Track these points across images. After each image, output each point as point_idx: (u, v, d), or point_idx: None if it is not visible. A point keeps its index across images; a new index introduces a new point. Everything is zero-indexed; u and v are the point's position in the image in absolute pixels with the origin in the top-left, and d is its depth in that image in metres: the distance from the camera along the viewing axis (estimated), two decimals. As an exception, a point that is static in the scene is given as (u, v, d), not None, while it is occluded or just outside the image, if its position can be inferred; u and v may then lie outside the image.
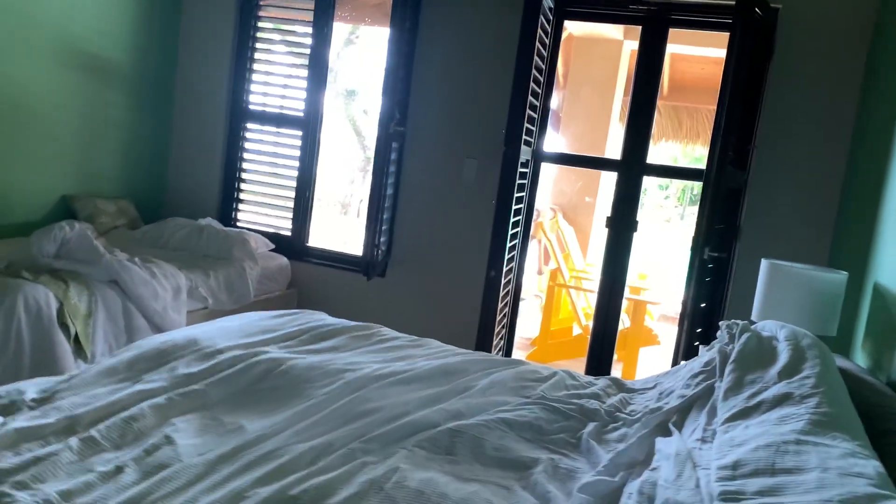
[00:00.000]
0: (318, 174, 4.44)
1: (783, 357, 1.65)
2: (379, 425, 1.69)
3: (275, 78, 4.48)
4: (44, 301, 2.73)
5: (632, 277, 5.03)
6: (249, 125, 4.49)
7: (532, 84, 3.56)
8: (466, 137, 3.98)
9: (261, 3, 4.38)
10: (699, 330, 3.41)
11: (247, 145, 4.51)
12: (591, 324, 5.14)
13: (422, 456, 1.59)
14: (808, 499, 0.97)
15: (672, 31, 3.85)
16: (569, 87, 6.70)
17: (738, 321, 1.96)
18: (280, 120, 4.42)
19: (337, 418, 1.71)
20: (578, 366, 4.96)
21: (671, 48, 5.57)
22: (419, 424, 1.71)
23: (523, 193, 3.89)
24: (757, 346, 1.78)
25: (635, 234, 3.94)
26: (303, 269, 4.34)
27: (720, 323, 2.05)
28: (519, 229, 3.91)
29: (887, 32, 3.05)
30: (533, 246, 5.81)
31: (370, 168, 14.06)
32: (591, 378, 2.30)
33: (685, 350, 3.37)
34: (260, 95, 4.47)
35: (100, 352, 2.94)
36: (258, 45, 4.44)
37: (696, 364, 2.00)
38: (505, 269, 3.70)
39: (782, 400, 1.41)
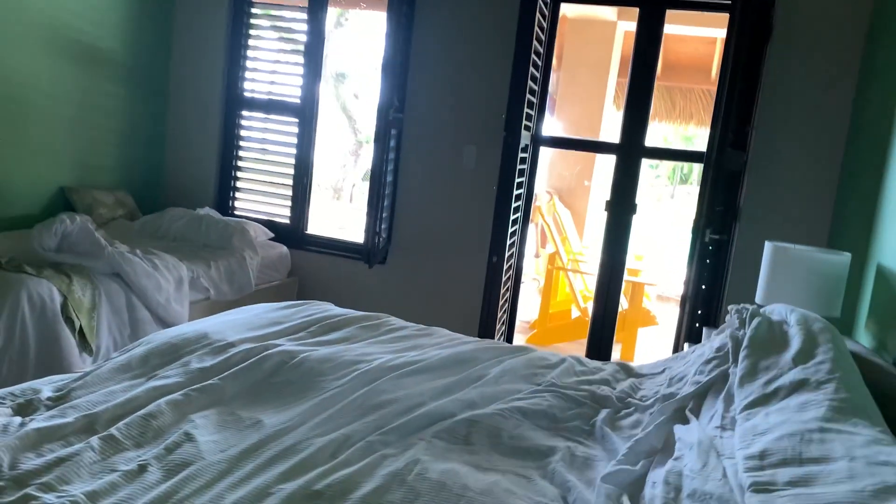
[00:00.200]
0: (315, 161, 4.43)
1: (796, 342, 1.67)
2: (395, 417, 1.70)
3: (270, 65, 4.44)
4: (47, 295, 2.72)
5: (628, 259, 5.06)
6: (245, 113, 4.46)
7: (531, 69, 3.55)
8: (465, 123, 3.97)
9: (255, -11, 4.35)
10: (700, 312, 3.43)
11: (243, 133, 4.49)
12: (589, 306, 5.16)
13: (440, 447, 1.60)
14: (840, 489, 0.98)
15: (667, 12, 3.84)
16: (563, 69, 6.67)
17: (748, 305, 1.97)
18: (276, 107, 4.40)
19: (353, 411, 1.71)
20: (578, 348, 4.99)
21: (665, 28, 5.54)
22: (435, 415, 1.72)
23: (523, 178, 3.88)
24: (768, 331, 1.79)
25: (634, 217, 3.95)
26: (302, 258, 4.33)
27: (729, 307, 2.06)
28: (519, 214, 3.91)
29: (886, 11, 3.05)
30: (530, 230, 5.82)
31: (362, 152, 13.95)
32: (599, 364, 2.31)
33: (687, 332, 3.39)
34: (255, 83, 4.44)
35: (104, 345, 2.94)
36: (252, 32, 4.40)
37: (706, 349, 2.01)
38: (506, 255, 3.71)
39: (799, 386, 1.43)
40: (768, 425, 1.28)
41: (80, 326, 2.81)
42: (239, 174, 4.51)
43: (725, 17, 3.61)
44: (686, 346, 2.96)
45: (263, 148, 4.48)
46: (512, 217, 3.68)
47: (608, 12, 6.21)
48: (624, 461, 1.43)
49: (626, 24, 6.44)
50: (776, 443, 1.19)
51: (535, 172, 4.12)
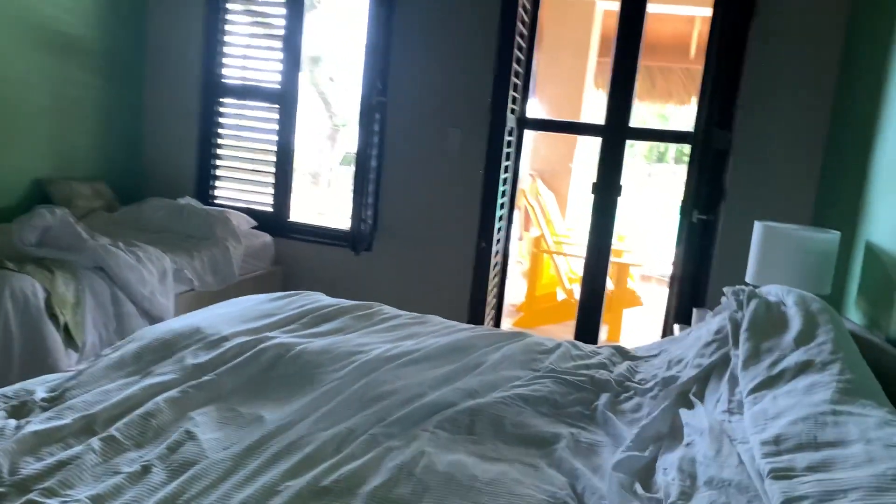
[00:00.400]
0: (298, 148, 4.37)
1: (796, 323, 1.67)
2: (397, 408, 1.68)
3: (248, 51, 4.37)
4: (31, 292, 2.66)
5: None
6: (224, 100, 4.38)
7: (515, 51, 3.52)
8: (449, 106, 3.92)
9: (231, -28, 4.26)
10: (688, 293, 3.45)
11: (222, 120, 4.41)
12: (574, 288, 5.18)
13: (444, 437, 1.59)
14: (861, 474, 0.99)
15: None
16: (543, 49, 6.63)
17: (744, 287, 1.97)
18: (255, 93, 4.32)
19: (354, 403, 1.69)
20: (566, 330, 5.01)
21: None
22: (437, 405, 1.71)
23: (509, 162, 3.86)
24: (766, 313, 1.79)
25: (619, 199, 3.95)
26: (286, 246, 4.28)
27: (724, 289, 2.07)
28: (506, 199, 3.90)
29: (870, -10, 3.06)
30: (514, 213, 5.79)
31: (339, 136, 13.82)
32: (594, 347, 2.31)
33: (676, 313, 3.41)
34: (233, 69, 4.36)
35: (90, 341, 2.88)
36: (229, 18, 4.31)
37: (703, 332, 2.01)
38: (494, 240, 3.70)
39: (804, 368, 1.43)
40: (779, 409, 1.28)
41: (65, 322, 2.75)
42: (219, 162, 4.44)
43: (708, -5, 3.60)
44: (676, 327, 2.97)
45: (241, 135, 4.41)
46: (499, 201, 3.67)
47: (587, -8, 6.19)
48: (632, 447, 1.43)
49: (605, 4, 6.42)
50: (790, 427, 1.19)
51: (521, 155, 4.10)
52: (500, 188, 3.64)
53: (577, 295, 5.12)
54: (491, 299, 3.89)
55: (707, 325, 2.06)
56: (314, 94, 12.29)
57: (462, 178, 3.92)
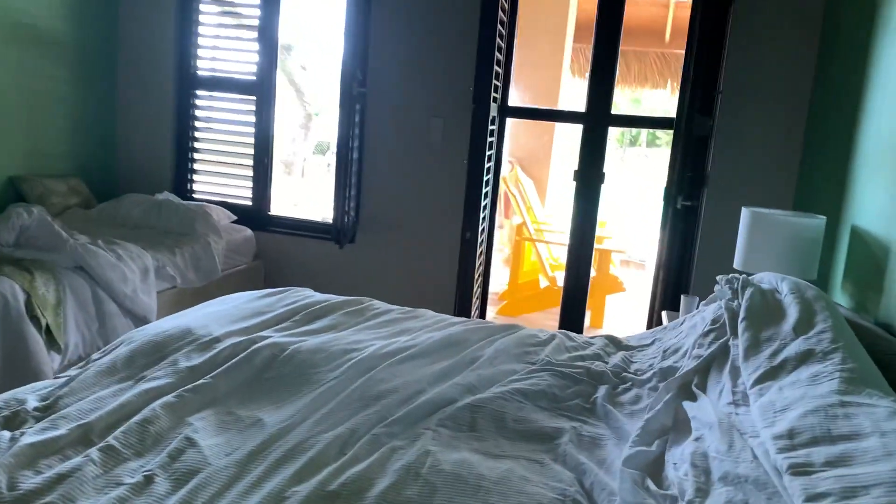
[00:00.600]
0: (275, 140, 4.31)
1: (793, 311, 1.68)
2: (397, 406, 1.67)
3: (223, 42, 4.29)
4: (10, 294, 2.60)
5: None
6: (200, 92, 4.30)
7: (497, 39, 3.50)
8: (430, 96, 3.89)
9: (203, -38, 4.17)
10: (673, 280, 3.46)
11: (198, 113, 4.33)
12: (557, 275, 5.19)
13: (447, 435, 1.57)
14: (882, 469, 0.99)
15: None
16: (519, 35, 6.60)
17: (738, 275, 1.98)
18: (232, 85, 4.25)
19: (353, 403, 1.68)
20: (550, 317, 5.02)
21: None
22: (437, 402, 1.70)
23: (492, 151, 3.85)
24: (762, 301, 1.80)
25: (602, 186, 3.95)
26: (267, 239, 4.23)
27: (718, 277, 2.08)
28: (489, 188, 3.88)
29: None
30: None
31: (312, 125, 13.70)
32: (587, 338, 2.31)
33: (662, 300, 3.43)
34: (208, 60, 4.28)
35: (73, 342, 2.83)
36: (202, 8, 4.23)
37: (697, 320, 2.02)
38: (479, 229, 3.68)
39: (805, 357, 1.44)
40: (786, 401, 1.29)
41: (47, 324, 2.69)
42: (196, 156, 4.37)
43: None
44: (664, 314, 2.98)
45: (218, 128, 4.34)
46: (483, 191, 3.65)
47: (562, -23, 6.16)
48: (639, 441, 1.42)
49: (580, -11, 6.41)
50: (801, 420, 1.19)
51: (503, 144, 4.08)
52: (485, 178, 3.63)
53: (559, 282, 5.13)
54: (476, 289, 3.88)
55: (700, 313, 2.07)
56: (286, 82, 12.15)
57: (445, 168, 3.90)
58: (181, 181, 4.36)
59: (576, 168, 3.92)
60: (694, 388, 1.63)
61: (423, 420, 1.63)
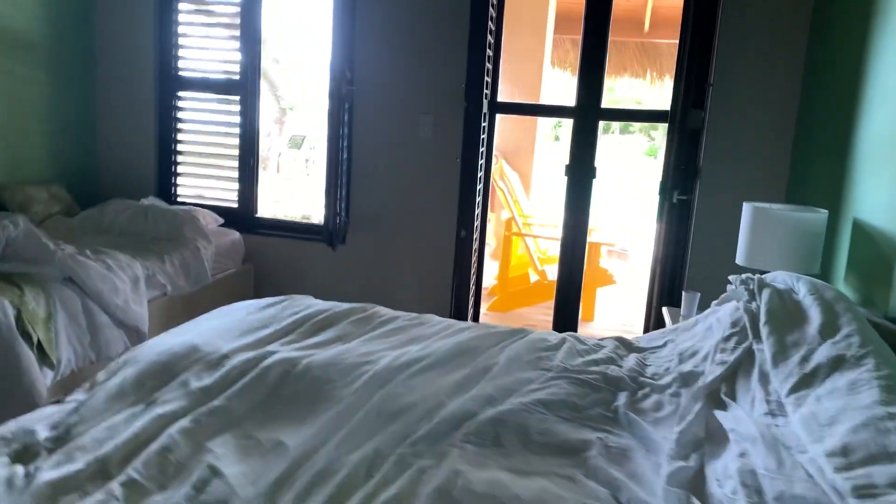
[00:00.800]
0: (261, 139, 4.24)
1: (815, 314, 1.67)
2: (419, 422, 1.63)
3: (205, 41, 4.19)
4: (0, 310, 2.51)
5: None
6: (181, 93, 4.20)
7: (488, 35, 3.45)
8: (419, 92, 3.83)
9: (182, -41, 4.06)
10: (670, 275, 3.46)
11: (180, 115, 4.24)
12: (546, 269, 5.17)
13: (473, 452, 1.54)
14: (951, 490, 0.98)
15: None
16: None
17: (752, 275, 1.97)
18: (214, 85, 4.16)
19: (374, 420, 1.64)
20: (540, 311, 5.01)
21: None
22: (458, 416, 1.66)
23: (483, 148, 3.80)
24: (781, 303, 1.79)
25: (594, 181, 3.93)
26: (255, 242, 4.15)
27: (730, 277, 2.06)
28: (481, 185, 3.84)
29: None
30: (480, 195, 5.72)
31: (286, 119, 13.53)
32: (597, 340, 2.29)
33: (660, 295, 3.42)
34: (190, 61, 4.18)
35: (65, 357, 2.74)
36: (182, 7, 4.12)
37: (712, 321, 2.00)
38: (474, 227, 3.65)
39: (837, 363, 1.43)
40: (829, 413, 1.27)
41: (38, 340, 2.61)
42: (179, 158, 4.27)
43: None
44: (665, 310, 2.97)
45: (202, 129, 4.25)
46: (478, 188, 3.62)
47: (542, -32, 6.12)
48: (675, 455, 1.40)
49: (560, -20, 6.37)
50: (853, 436, 1.18)
51: (493, 140, 4.04)
52: (478, 175, 3.59)
53: (550, 276, 5.12)
54: (470, 286, 3.84)
55: (714, 314, 2.05)
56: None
57: (435, 165, 3.85)
58: (165, 184, 4.27)
59: (567, 163, 3.90)
60: (723, 397, 1.61)
61: (447, 436, 1.59)
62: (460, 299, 3.72)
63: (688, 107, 3.31)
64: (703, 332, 2.00)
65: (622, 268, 6.86)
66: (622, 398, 1.81)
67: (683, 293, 2.93)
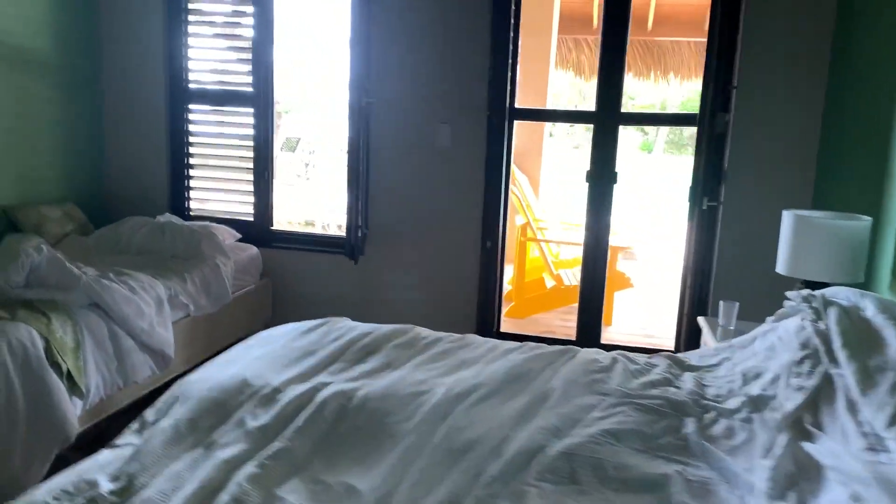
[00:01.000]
0: (275, 151, 4.17)
1: (891, 335, 1.62)
2: (488, 459, 1.57)
3: (216, 52, 4.11)
4: (28, 341, 2.43)
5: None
6: (192, 106, 4.12)
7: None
8: (436, 102, 3.77)
9: (191, -31, 3.98)
10: (702, 284, 3.41)
11: (192, 128, 4.16)
12: (562, 273, 5.13)
13: (551, 491, 1.49)
14: None
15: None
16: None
17: (813, 292, 1.92)
18: (227, 97, 4.08)
19: (442, 459, 1.58)
20: (558, 316, 4.96)
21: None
22: (528, 452, 1.60)
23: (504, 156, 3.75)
24: (851, 323, 1.74)
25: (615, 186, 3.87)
26: (272, 256, 4.08)
27: (787, 293, 2.01)
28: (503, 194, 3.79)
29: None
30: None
31: (281, 122, 13.51)
32: (647, 359, 2.24)
33: (691, 304, 3.37)
34: (201, 73, 4.10)
35: (94, 384, 2.67)
36: (191, 18, 4.04)
37: (774, 340, 1.95)
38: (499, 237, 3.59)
39: (931, 393, 1.38)
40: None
41: (68, 369, 2.54)
42: (192, 172, 4.20)
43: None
44: (702, 321, 2.92)
45: (215, 142, 4.18)
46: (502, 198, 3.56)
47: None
48: (773, 494, 1.35)
49: (564, -20, 6.31)
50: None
51: (512, 146, 3.97)
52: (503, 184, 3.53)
53: (566, 280, 5.07)
54: (496, 298, 3.79)
55: (773, 331, 2.00)
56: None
57: (454, 175, 3.79)
58: (178, 200, 4.19)
59: (588, 169, 3.85)
60: (809, 427, 1.56)
61: (520, 474, 1.53)
62: (486, 310, 3.66)
63: (716, 110, 3.26)
64: (765, 351, 1.95)
65: (632, 269, 6.82)
66: (690, 425, 1.76)
67: (721, 303, 2.89)
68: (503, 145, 3.45)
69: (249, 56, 3.98)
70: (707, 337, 2.76)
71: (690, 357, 2.26)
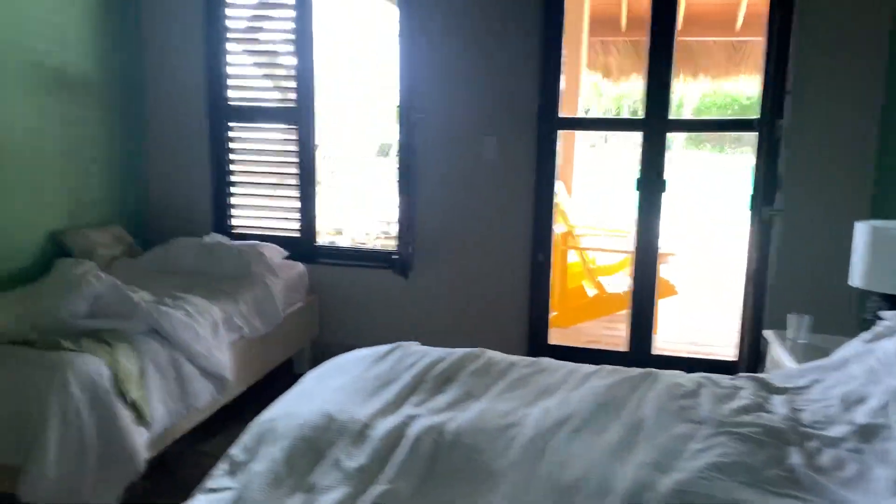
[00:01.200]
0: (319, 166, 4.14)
1: None
2: (598, 498, 1.53)
3: (257, 69, 4.09)
4: (96, 373, 2.41)
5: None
6: (233, 123, 4.10)
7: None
8: (481, 114, 3.73)
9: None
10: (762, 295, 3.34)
11: (233, 145, 4.13)
12: (603, 281, 5.07)
13: (669, 533, 1.44)
14: None
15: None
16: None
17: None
18: (269, 114, 4.06)
19: (549, 499, 1.53)
20: (602, 326, 4.90)
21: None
22: (637, 490, 1.55)
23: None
24: (961, 347, 1.68)
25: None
26: (317, 272, 4.05)
27: (882, 313, 1.95)
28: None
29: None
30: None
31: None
32: (731, 381, 2.18)
33: (752, 315, 3.30)
34: (242, 90, 4.08)
35: (158, 414, 2.64)
36: (230, 36, 4.02)
37: (873, 363, 1.89)
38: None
39: None
40: None
41: (133, 399, 2.51)
42: (234, 190, 4.17)
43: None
44: (771, 335, 2.85)
45: (257, 160, 4.16)
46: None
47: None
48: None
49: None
50: None
51: (556, 157, 3.91)
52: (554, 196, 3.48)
53: (608, 288, 5.01)
54: (548, 311, 3.74)
55: (872, 353, 1.94)
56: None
57: (501, 187, 3.75)
58: (221, 218, 4.17)
59: (637, 177, 3.79)
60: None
61: (635, 513, 1.49)
62: (538, 325, 3.61)
63: (775, 117, 3.19)
64: (864, 374, 1.89)
65: (668, 273, 6.74)
66: (794, 455, 1.70)
67: (789, 316, 2.82)
68: (553, 156, 3.40)
69: (293, 72, 3.95)
70: (778, 352, 2.70)
71: (774, 378, 2.20)
